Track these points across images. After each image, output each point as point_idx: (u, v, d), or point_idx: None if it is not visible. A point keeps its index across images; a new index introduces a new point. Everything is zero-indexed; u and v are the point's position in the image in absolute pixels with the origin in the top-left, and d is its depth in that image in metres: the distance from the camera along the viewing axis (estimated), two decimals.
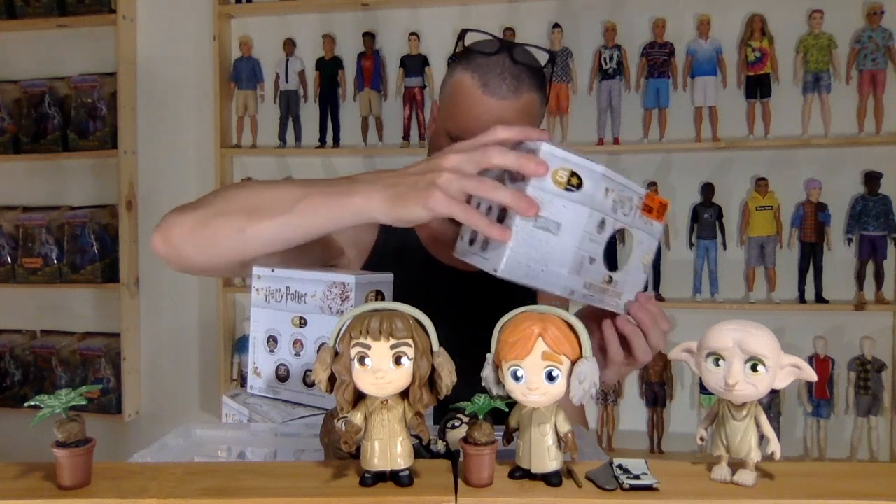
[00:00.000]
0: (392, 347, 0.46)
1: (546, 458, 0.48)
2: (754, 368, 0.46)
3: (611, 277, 0.76)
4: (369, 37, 2.49)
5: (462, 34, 1.04)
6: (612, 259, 0.76)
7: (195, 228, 0.84)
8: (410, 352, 0.47)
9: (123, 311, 2.60)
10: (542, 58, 1.04)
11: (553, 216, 0.67)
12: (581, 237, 0.69)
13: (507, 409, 0.50)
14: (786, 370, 0.48)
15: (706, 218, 2.37)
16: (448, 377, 0.48)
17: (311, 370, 0.50)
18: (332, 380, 0.49)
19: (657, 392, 2.41)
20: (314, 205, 0.75)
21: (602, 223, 0.70)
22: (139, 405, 2.72)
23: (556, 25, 2.40)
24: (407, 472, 0.48)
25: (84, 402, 0.47)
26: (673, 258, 2.43)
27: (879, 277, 2.29)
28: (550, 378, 0.47)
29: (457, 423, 0.60)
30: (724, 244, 2.39)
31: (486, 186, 0.66)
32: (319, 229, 0.77)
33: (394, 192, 0.69)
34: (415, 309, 0.49)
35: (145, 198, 2.65)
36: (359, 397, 0.49)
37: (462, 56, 1.02)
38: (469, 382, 0.54)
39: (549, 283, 0.69)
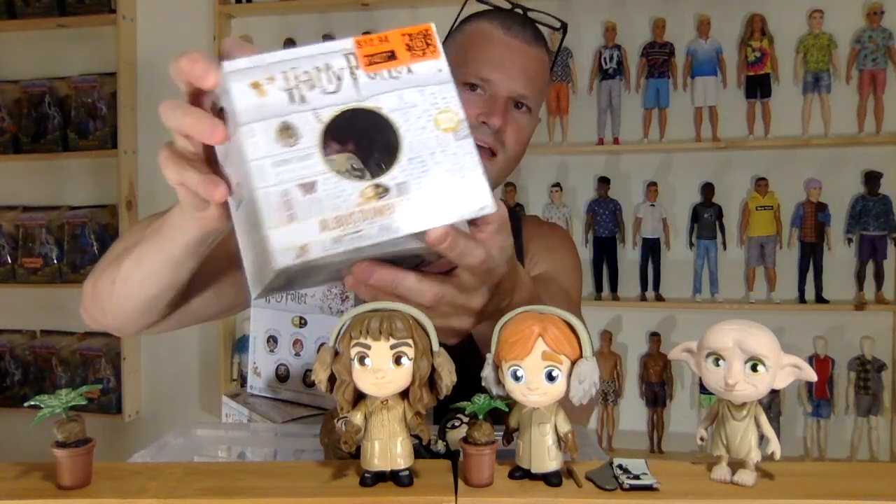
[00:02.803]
0: (392, 347, 0.46)
1: (546, 458, 0.48)
2: (754, 368, 0.46)
3: (381, 187, 0.45)
4: None
5: (465, 1, 1.00)
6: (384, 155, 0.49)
7: (93, 292, 0.79)
8: (410, 352, 0.47)
9: None
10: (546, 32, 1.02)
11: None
12: (256, 172, 0.44)
13: (507, 409, 0.50)
14: (786, 370, 0.48)
15: (706, 218, 2.37)
16: (448, 377, 0.48)
17: (311, 370, 0.50)
18: (332, 380, 0.48)
19: (657, 392, 2.41)
20: (170, 219, 0.63)
21: (285, 129, 0.45)
22: (139, 405, 2.72)
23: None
24: (407, 472, 0.48)
25: (84, 402, 0.47)
26: (673, 258, 2.43)
27: (879, 277, 2.29)
28: (550, 378, 0.47)
29: (457, 423, 0.60)
30: (724, 244, 2.39)
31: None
32: (179, 244, 0.63)
33: None
34: (414, 309, 0.49)
35: (145, 198, 2.65)
36: (359, 397, 0.49)
37: (471, 16, 0.99)
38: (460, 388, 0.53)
39: (265, 258, 0.44)
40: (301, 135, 0.45)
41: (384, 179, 0.45)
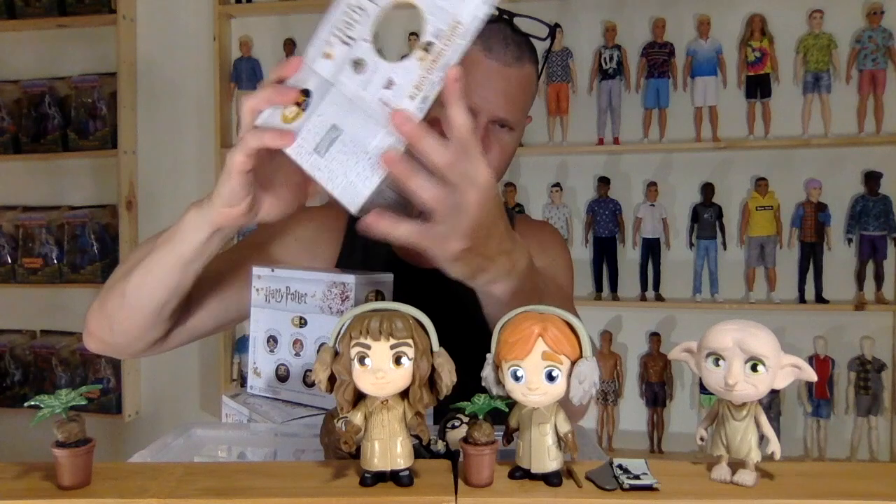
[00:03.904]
0: (392, 347, 0.46)
1: (546, 458, 0.48)
2: (754, 368, 0.46)
3: (424, 43, 0.60)
4: None
5: None
6: None
7: (101, 313, 0.83)
8: (410, 352, 0.47)
9: None
10: (538, 33, 1.01)
11: (323, 126, 0.60)
12: (359, 102, 0.60)
13: (507, 410, 0.50)
14: (786, 370, 0.48)
15: (706, 218, 2.37)
16: (448, 377, 0.48)
17: (311, 370, 0.50)
18: (332, 380, 0.48)
19: (657, 392, 2.41)
20: (183, 221, 0.72)
21: (356, 63, 0.61)
22: (139, 405, 2.71)
23: (556, 25, 2.40)
24: (407, 472, 0.48)
25: (84, 402, 0.47)
26: (673, 258, 2.43)
27: (879, 277, 2.29)
28: (550, 378, 0.47)
29: (457, 423, 0.60)
30: (724, 244, 2.39)
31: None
32: (192, 243, 0.71)
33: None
34: (415, 309, 0.49)
35: (145, 198, 2.65)
36: (359, 397, 0.49)
37: None
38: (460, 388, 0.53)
39: (367, 129, 0.59)
40: (366, 60, 0.61)
41: (424, 38, 0.60)
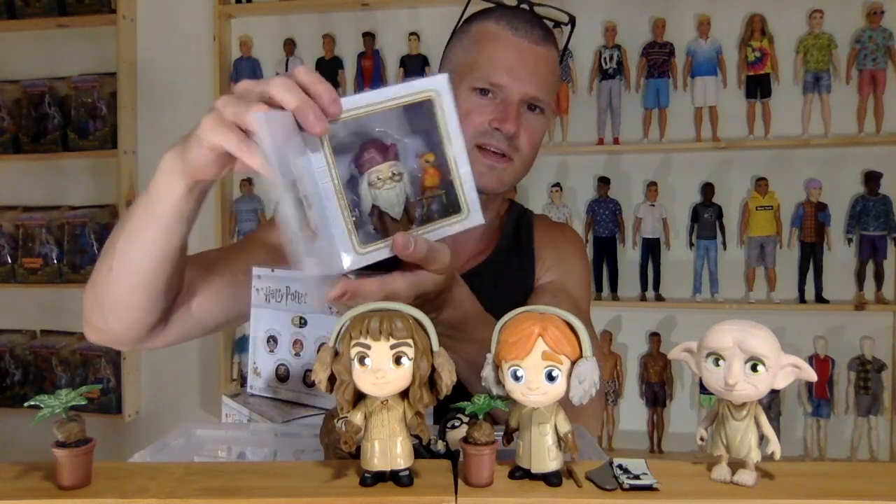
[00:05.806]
0: (392, 347, 0.46)
1: (546, 458, 0.48)
2: (754, 368, 0.46)
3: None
4: (369, 37, 2.49)
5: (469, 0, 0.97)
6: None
7: (93, 293, 0.77)
8: (410, 352, 0.47)
9: None
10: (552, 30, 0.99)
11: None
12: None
13: (506, 409, 0.50)
14: (786, 370, 0.48)
15: (706, 218, 2.37)
16: (448, 377, 0.48)
17: (311, 370, 0.50)
18: (332, 380, 0.48)
19: (657, 392, 2.41)
20: (158, 173, 0.68)
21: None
22: (139, 405, 2.71)
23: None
24: (407, 472, 0.48)
25: (84, 402, 0.47)
26: (673, 258, 2.43)
27: (879, 277, 2.29)
28: (550, 378, 0.47)
29: (457, 423, 0.60)
30: (724, 244, 2.39)
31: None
32: (168, 201, 0.67)
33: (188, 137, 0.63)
34: (414, 309, 0.49)
35: None
36: (359, 397, 0.49)
37: (476, 14, 0.95)
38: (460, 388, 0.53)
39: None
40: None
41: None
